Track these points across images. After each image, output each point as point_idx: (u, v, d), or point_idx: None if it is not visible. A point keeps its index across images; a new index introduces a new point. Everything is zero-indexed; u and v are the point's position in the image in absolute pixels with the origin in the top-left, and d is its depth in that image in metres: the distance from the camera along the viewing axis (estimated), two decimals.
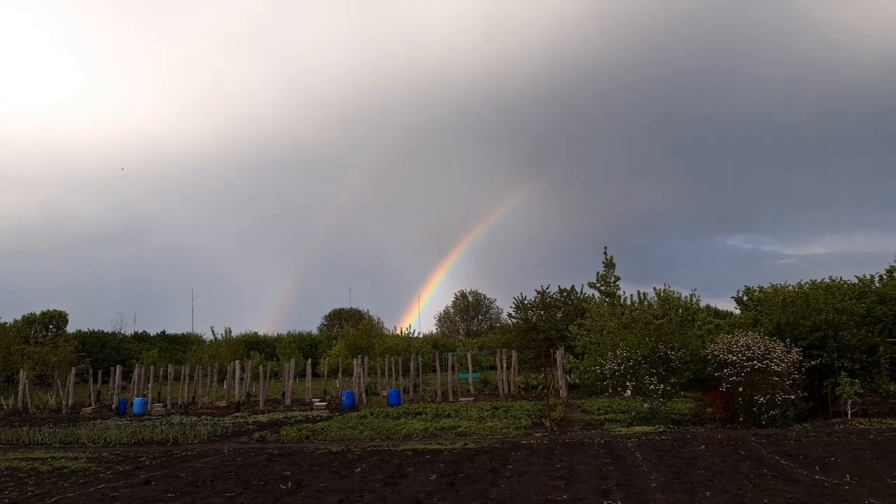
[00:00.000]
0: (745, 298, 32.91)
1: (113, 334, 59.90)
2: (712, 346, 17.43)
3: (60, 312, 58.06)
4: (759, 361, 16.17)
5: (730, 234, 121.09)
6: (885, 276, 32.46)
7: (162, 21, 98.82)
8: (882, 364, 18.64)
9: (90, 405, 30.76)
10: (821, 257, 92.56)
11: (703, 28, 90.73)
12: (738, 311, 34.26)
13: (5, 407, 30.34)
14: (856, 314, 19.29)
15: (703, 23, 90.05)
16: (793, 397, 16.21)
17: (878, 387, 18.87)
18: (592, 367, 19.22)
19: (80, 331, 56.29)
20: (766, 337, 17.13)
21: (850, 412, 16.95)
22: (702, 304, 37.82)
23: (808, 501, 8.55)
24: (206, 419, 22.94)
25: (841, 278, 30.25)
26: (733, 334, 17.72)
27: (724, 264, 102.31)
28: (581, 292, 38.84)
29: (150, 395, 32.01)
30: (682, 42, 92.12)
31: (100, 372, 34.97)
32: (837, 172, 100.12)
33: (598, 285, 34.21)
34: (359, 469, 12.21)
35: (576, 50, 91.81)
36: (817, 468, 10.69)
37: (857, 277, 30.93)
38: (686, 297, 35.83)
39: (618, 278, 33.79)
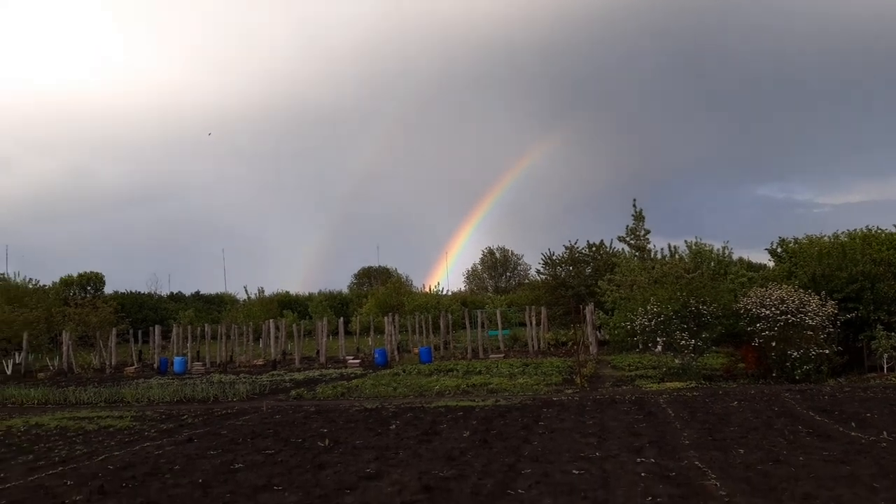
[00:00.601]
0: (779, 250, 32.39)
1: (149, 295, 61.28)
2: (745, 299, 17.27)
3: (97, 274, 59.43)
4: (793, 315, 16.01)
5: (762, 182, 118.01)
6: None
7: None
8: None
9: (133, 364, 31.74)
10: (856, 206, 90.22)
11: None
12: (771, 264, 33.81)
13: (52, 367, 31.44)
14: (894, 265, 18.91)
15: None
16: (827, 351, 16.07)
17: None
18: (622, 323, 19.21)
19: (117, 292, 57.62)
20: (801, 290, 16.92)
21: (886, 366, 16.76)
22: (734, 257, 37.38)
23: (845, 459, 8.53)
24: (244, 377, 23.55)
25: (878, 227, 29.60)
26: (767, 287, 17.53)
27: (756, 214, 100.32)
28: (610, 247, 38.61)
29: (189, 354, 32.87)
30: None
31: (139, 332, 35.94)
32: (872, 117, 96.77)
33: (627, 239, 33.94)
34: (393, 426, 12.48)
35: None
36: (853, 424, 10.64)
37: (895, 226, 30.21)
38: (718, 250, 35.43)
39: (647, 231, 33.48)
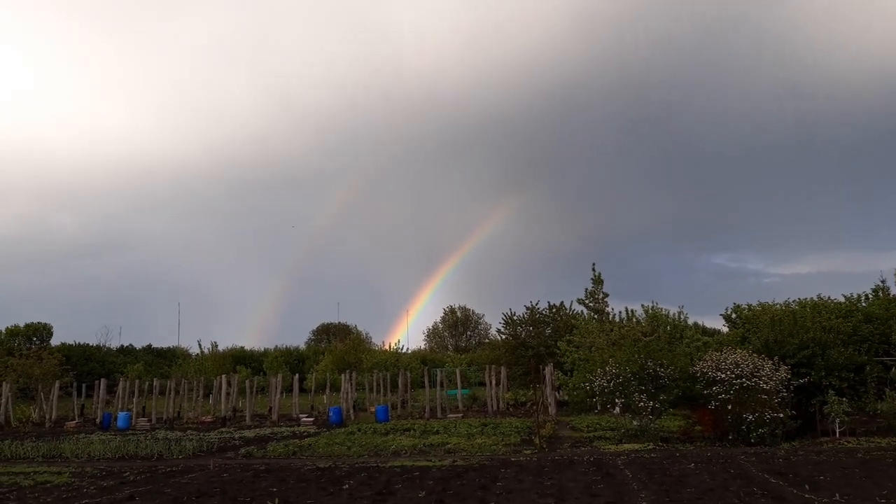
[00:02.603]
0: (733, 316, 33.10)
1: (98, 347, 59.16)
2: (701, 363, 17.47)
3: (45, 325, 57.36)
4: (747, 379, 16.22)
5: (715, 251, 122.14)
6: (870, 296, 32.77)
7: (144, 31, 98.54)
8: (869, 383, 18.73)
9: (74, 419, 30.33)
10: (805, 276, 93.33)
11: (686, 45, 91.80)
12: (725, 329, 34.46)
13: None
14: (843, 333, 19.42)
15: (686, 41, 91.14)
16: (781, 415, 16.25)
17: (864, 405, 18.96)
18: (582, 384, 19.20)
19: (64, 343, 55.57)
20: (755, 355, 17.19)
21: (838, 431, 16.99)
22: (690, 321, 37.98)
23: None
24: (191, 434, 22.67)
25: (829, 297, 30.53)
26: (722, 352, 17.78)
27: (709, 281, 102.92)
28: (570, 308, 38.88)
29: (134, 409, 31.62)
30: (667, 61, 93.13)
31: (84, 385, 34.51)
32: (821, 193, 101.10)
33: (586, 301, 34.26)
34: (346, 486, 12.08)
35: (559, 66, 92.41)
36: (807, 487, 10.68)
37: (844, 296, 31.17)
38: (674, 314, 36.00)
39: (606, 295, 33.87)
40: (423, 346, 79.72)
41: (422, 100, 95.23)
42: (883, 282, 34.80)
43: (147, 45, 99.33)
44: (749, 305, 32.35)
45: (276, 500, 10.66)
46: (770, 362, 16.79)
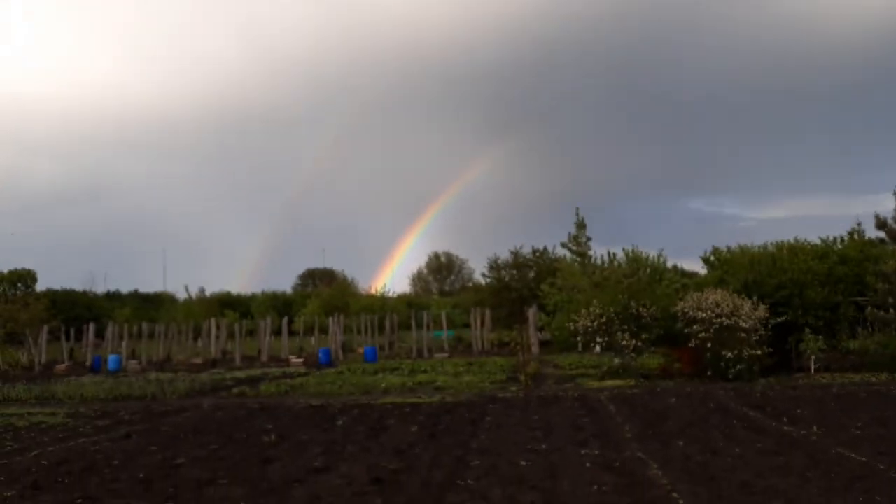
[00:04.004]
0: (711, 258, 33.59)
1: (84, 293, 59.04)
2: (682, 303, 17.87)
3: (29, 271, 56.91)
4: (727, 318, 16.65)
5: (693, 196, 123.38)
6: (846, 238, 33.41)
7: None
8: (843, 322, 19.31)
9: (63, 363, 30.49)
10: (780, 221, 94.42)
11: None
12: (704, 271, 35.09)
13: None
14: (819, 274, 19.87)
15: None
16: (759, 353, 16.76)
17: (838, 343, 19.58)
18: (566, 324, 19.60)
19: (49, 289, 55.38)
20: (735, 295, 17.59)
21: (813, 367, 17.59)
22: (669, 264, 38.63)
23: (778, 450, 8.95)
24: (182, 376, 22.94)
25: (806, 239, 31.09)
26: (703, 292, 18.18)
27: (687, 226, 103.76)
28: (553, 252, 39.33)
29: (124, 352, 31.80)
30: (650, 5, 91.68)
31: (72, 330, 34.58)
32: (798, 138, 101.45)
33: (569, 245, 34.60)
34: (340, 422, 12.42)
35: (544, 11, 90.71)
36: (785, 419, 11.16)
37: (821, 239, 31.76)
38: (654, 258, 36.55)
39: (589, 238, 34.20)
40: (408, 291, 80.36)
41: (405, 45, 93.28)
42: (859, 224, 35.45)
43: None
44: (728, 248, 32.92)
45: (273, 437, 10.96)
46: (749, 302, 17.20)
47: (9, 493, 7.87)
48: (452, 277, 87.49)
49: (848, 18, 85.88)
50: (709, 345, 16.80)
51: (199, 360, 30.18)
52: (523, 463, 8.61)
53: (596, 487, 7.37)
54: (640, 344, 17.78)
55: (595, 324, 17.97)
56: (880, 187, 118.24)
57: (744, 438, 9.85)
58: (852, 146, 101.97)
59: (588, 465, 8.44)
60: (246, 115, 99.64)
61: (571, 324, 18.91)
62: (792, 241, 29.88)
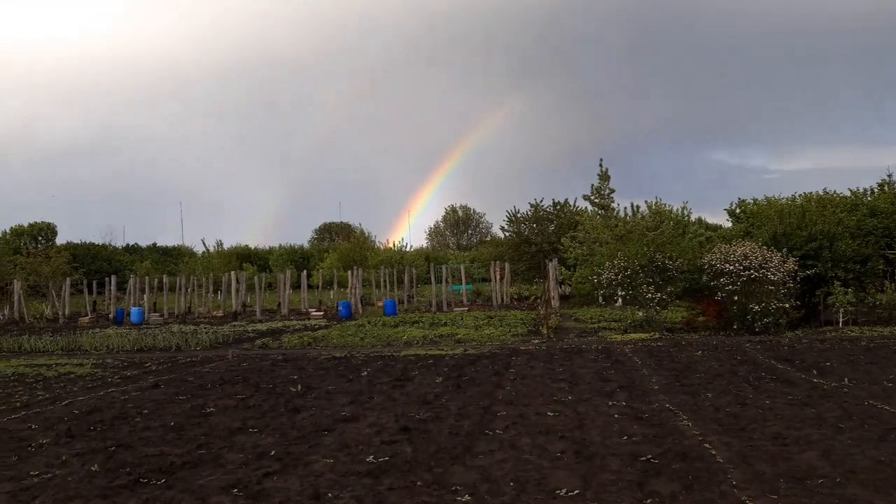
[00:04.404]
0: (737, 211, 33.15)
1: (104, 246, 59.60)
2: (709, 255, 17.59)
3: (49, 224, 57.56)
4: (755, 271, 16.37)
5: (717, 147, 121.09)
6: (876, 190, 32.70)
7: None
8: (874, 274, 18.95)
9: (86, 315, 30.96)
10: (806, 172, 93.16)
11: None
12: (728, 224, 34.62)
13: (2, 317, 30.48)
14: (849, 226, 19.47)
15: None
16: (787, 306, 16.52)
17: (865, 297, 19.27)
18: (590, 277, 19.42)
19: (70, 242, 55.97)
20: (764, 247, 17.26)
21: (841, 321, 17.33)
22: (693, 217, 38.16)
23: (809, 402, 8.80)
24: (204, 328, 23.18)
25: (835, 191, 30.48)
26: (731, 244, 17.88)
27: (710, 178, 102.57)
28: (574, 205, 38.92)
29: (146, 304, 32.21)
30: None
31: (94, 283, 35.02)
32: (824, 87, 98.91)
33: (592, 198, 34.20)
34: (365, 373, 12.44)
35: None
36: (814, 372, 10.99)
37: (850, 190, 31.14)
38: (677, 210, 36.09)
39: (612, 191, 33.78)
40: (424, 245, 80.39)
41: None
42: (889, 176, 34.68)
43: None
44: (754, 200, 32.37)
45: (299, 386, 11.00)
46: (779, 254, 16.89)
47: (44, 441, 7.95)
48: (470, 232, 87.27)
49: None
50: (736, 298, 16.57)
51: (220, 313, 30.51)
52: (550, 413, 8.54)
53: (626, 438, 7.28)
54: (665, 297, 17.57)
55: (620, 276, 17.76)
56: None
57: (773, 390, 9.70)
58: (878, 96, 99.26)
59: (616, 415, 8.36)
60: (261, 68, 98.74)
61: (595, 277, 18.71)
62: (821, 192, 29.44)
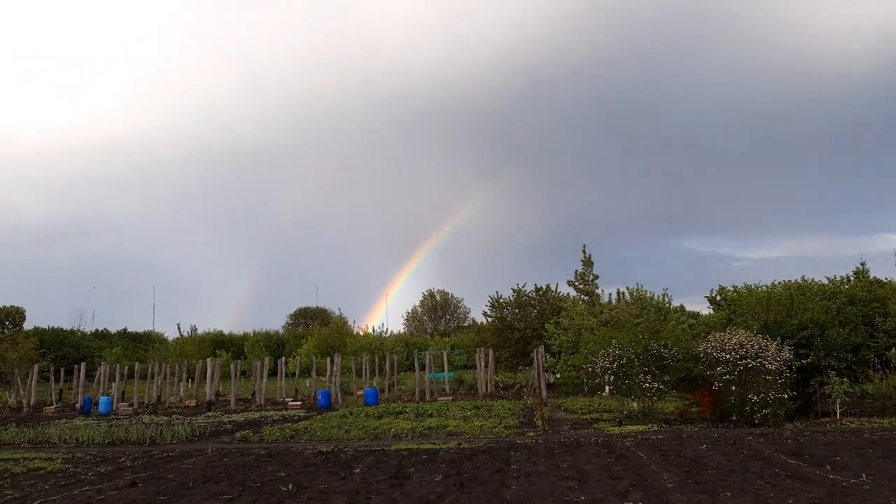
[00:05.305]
0: (717, 298, 33.28)
1: (72, 331, 57.83)
2: (704, 343, 17.37)
3: (17, 308, 55.83)
4: (752, 360, 16.16)
5: (688, 236, 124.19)
6: (852, 278, 33.25)
7: (111, 13, 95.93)
8: (865, 363, 18.85)
9: (52, 404, 29.53)
10: (773, 260, 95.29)
11: (660, 32, 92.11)
12: (707, 311, 34.69)
13: None
14: (841, 313, 19.51)
15: (660, 27, 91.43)
16: (785, 396, 16.24)
17: (859, 387, 19.11)
18: (583, 366, 19.02)
19: (37, 327, 54.19)
20: (759, 335, 17.13)
21: (839, 411, 17.06)
22: (673, 304, 38.27)
23: (832, 502, 8.40)
24: (177, 419, 22.14)
25: (813, 279, 30.88)
26: (718, 332, 17.73)
27: (681, 266, 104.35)
28: (556, 290, 38.86)
29: (115, 393, 30.85)
30: (640, 49, 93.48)
31: (62, 370, 33.61)
32: (790, 179, 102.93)
33: (576, 283, 34.18)
34: (357, 469, 11.75)
35: (535, 55, 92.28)
36: (828, 467, 10.61)
37: (827, 278, 31.61)
38: (658, 297, 36.16)
39: (597, 276, 33.84)
40: (402, 330, 79.51)
41: (399, 83, 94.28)
42: (863, 264, 35.42)
43: (116, 27, 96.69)
44: (734, 287, 32.62)
45: (290, 485, 10.29)
46: (774, 343, 16.76)
47: None
48: (447, 317, 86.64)
49: (836, 60, 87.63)
50: (733, 387, 16.28)
51: (192, 403, 29.28)
52: None
53: None
54: (661, 387, 17.18)
55: (615, 365, 17.40)
56: (871, 229, 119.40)
57: (792, 488, 9.29)
58: (843, 188, 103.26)
59: None
60: (236, 154, 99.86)
61: (590, 366, 18.31)
62: (799, 280, 29.78)
